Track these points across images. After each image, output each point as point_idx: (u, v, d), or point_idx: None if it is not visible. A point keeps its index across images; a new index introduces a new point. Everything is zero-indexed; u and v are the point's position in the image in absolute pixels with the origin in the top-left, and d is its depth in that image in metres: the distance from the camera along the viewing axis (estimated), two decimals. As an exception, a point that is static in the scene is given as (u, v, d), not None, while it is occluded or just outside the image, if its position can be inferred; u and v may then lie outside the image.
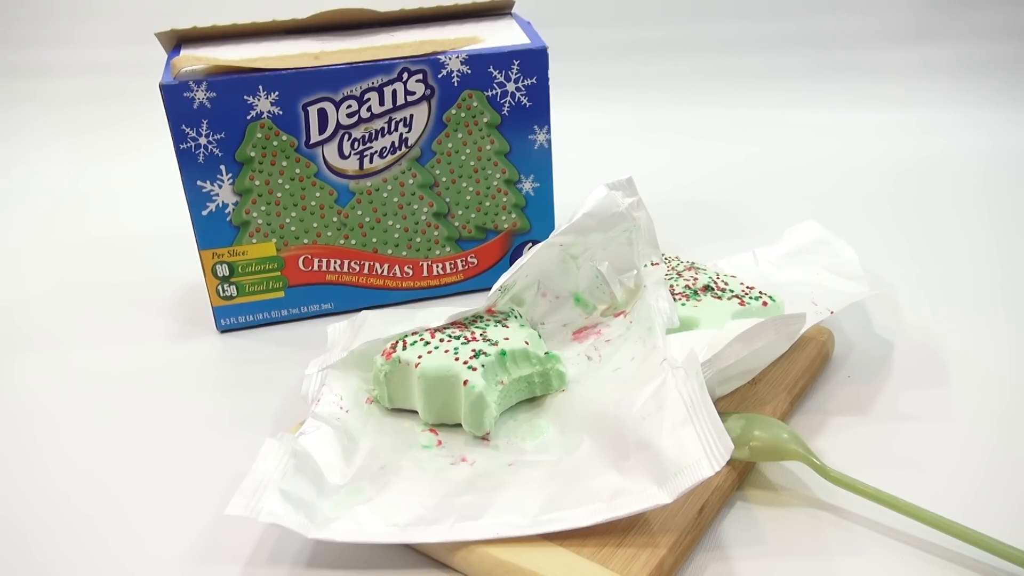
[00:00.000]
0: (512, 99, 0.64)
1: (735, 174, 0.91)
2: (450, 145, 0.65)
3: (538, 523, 0.45)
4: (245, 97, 0.60)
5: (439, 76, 0.62)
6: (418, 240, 0.67)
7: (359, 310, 0.69)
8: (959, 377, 0.58)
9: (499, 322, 0.56)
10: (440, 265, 0.69)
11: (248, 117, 0.61)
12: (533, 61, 0.63)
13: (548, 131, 0.66)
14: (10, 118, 1.11)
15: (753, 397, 0.54)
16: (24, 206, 0.92)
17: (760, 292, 0.59)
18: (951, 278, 0.70)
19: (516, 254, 0.70)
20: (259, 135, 0.61)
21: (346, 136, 0.63)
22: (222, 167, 0.62)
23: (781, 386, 0.55)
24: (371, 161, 0.64)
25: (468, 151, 0.65)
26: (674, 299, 0.57)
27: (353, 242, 0.66)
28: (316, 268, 0.67)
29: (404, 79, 0.62)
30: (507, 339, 0.53)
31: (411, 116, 0.63)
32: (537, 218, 0.69)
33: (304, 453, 0.48)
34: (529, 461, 0.49)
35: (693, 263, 0.63)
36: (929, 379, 0.58)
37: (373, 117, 0.62)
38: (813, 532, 0.47)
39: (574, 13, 1.10)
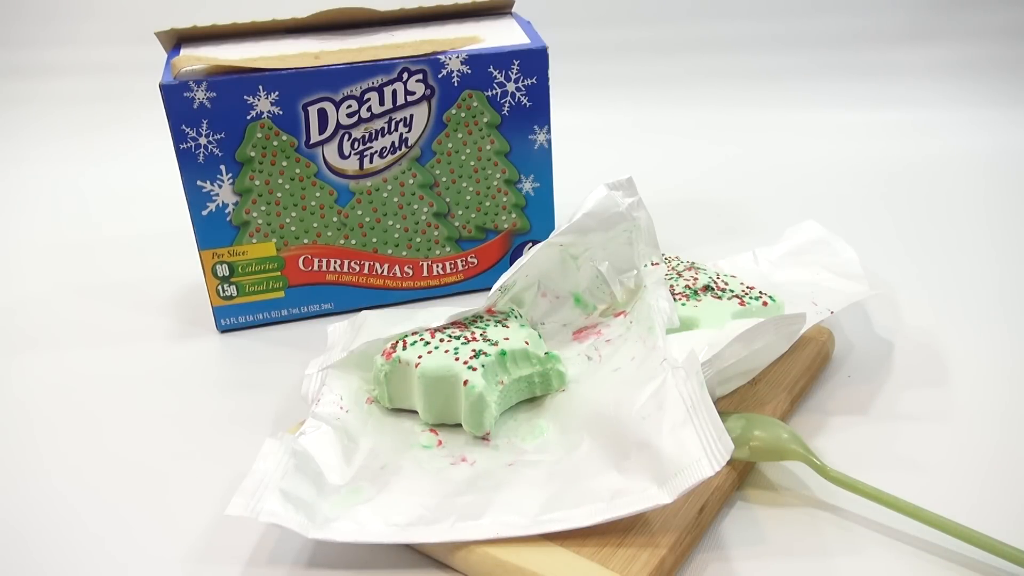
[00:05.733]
0: (512, 99, 0.64)
1: (735, 174, 0.91)
2: (450, 145, 0.65)
3: (538, 523, 0.45)
4: (245, 97, 0.60)
5: (439, 76, 0.62)
6: (418, 240, 0.67)
7: (359, 310, 0.69)
8: (959, 377, 0.58)
9: (499, 322, 0.56)
10: (440, 265, 0.69)
11: (248, 117, 0.61)
12: (533, 61, 0.63)
13: (548, 131, 0.66)
14: (11, 118, 1.11)
15: (753, 397, 0.54)
16: (24, 206, 0.92)
17: (760, 292, 0.59)
18: (951, 278, 0.70)
19: (516, 254, 0.70)
20: (259, 135, 0.61)
21: (346, 136, 0.63)
22: (222, 167, 0.62)
23: (781, 386, 0.55)
24: (371, 161, 0.64)
25: (468, 151, 0.65)
26: (674, 299, 0.57)
27: (353, 242, 0.66)
28: (316, 268, 0.67)
29: (404, 79, 0.62)
30: (507, 339, 0.53)
31: (411, 116, 0.63)
32: (537, 218, 0.69)
33: (304, 453, 0.48)
34: (529, 461, 0.49)
35: (693, 263, 0.63)
36: (929, 379, 0.58)
37: (373, 117, 0.62)
38: (813, 532, 0.47)
39: (574, 13, 1.10)
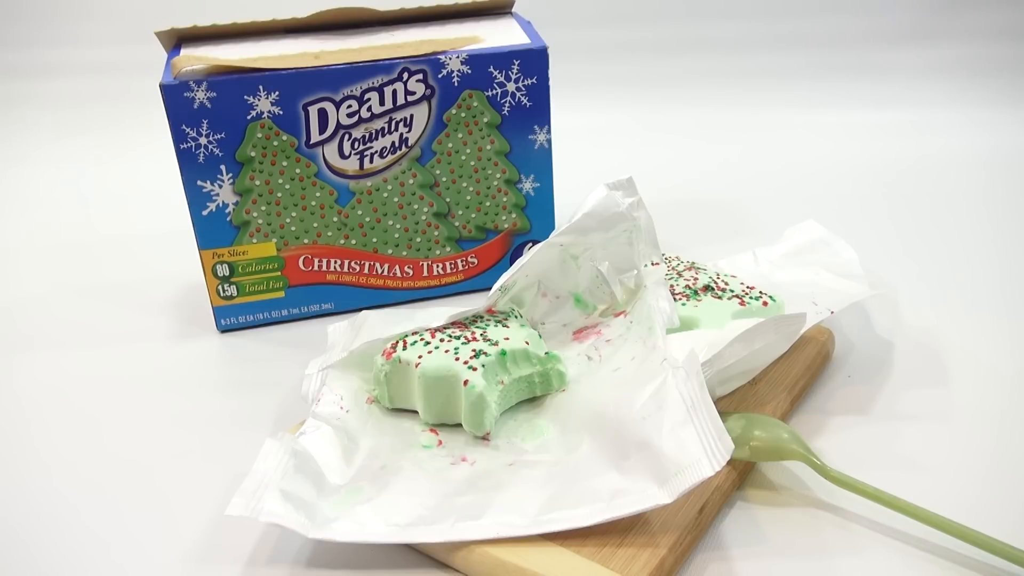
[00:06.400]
0: (512, 99, 0.64)
1: (735, 174, 0.91)
2: (450, 145, 0.65)
3: (538, 523, 0.45)
4: (245, 97, 0.60)
5: (439, 76, 0.62)
6: (418, 240, 0.67)
7: (359, 310, 0.69)
8: (959, 377, 0.58)
9: (499, 322, 0.56)
10: (440, 265, 0.69)
11: (248, 117, 0.61)
12: (533, 61, 0.63)
13: (548, 131, 0.66)
14: (10, 118, 1.11)
15: (753, 397, 0.54)
16: (24, 206, 0.92)
17: (760, 292, 0.59)
18: (951, 278, 0.70)
19: (516, 254, 0.70)
20: (259, 135, 0.61)
21: (346, 136, 0.63)
22: (222, 167, 0.62)
23: (781, 386, 0.55)
24: (371, 161, 0.64)
25: (468, 151, 0.65)
26: (674, 299, 0.57)
27: (353, 242, 0.66)
28: (316, 268, 0.67)
29: (404, 79, 0.62)
30: (507, 339, 0.53)
31: (411, 116, 0.63)
32: (537, 218, 0.69)
33: (304, 453, 0.48)
34: (529, 461, 0.49)
35: (693, 263, 0.63)
36: (929, 379, 0.58)
37: (373, 117, 0.62)
38: (813, 532, 0.47)
39: (574, 13, 1.10)
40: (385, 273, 0.68)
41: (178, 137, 0.61)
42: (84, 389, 0.62)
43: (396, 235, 0.67)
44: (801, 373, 0.56)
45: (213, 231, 0.64)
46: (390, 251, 0.67)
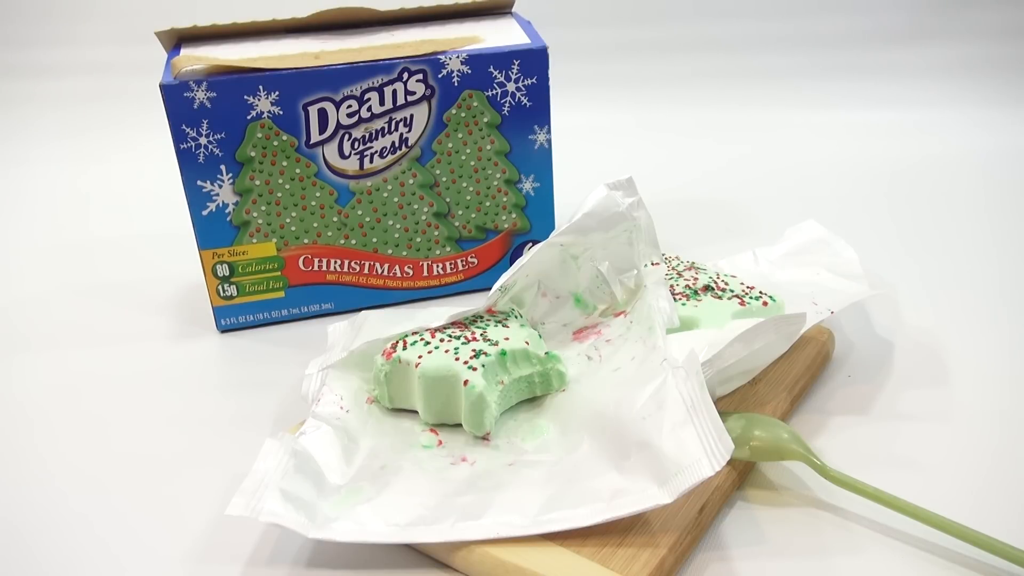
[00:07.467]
0: (512, 99, 0.64)
1: (735, 174, 0.91)
2: (450, 145, 0.65)
3: (538, 523, 0.45)
4: (245, 97, 0.60)
5: (439, 76, 0.62)
6: (418, 240, 0.67)
7: (359, 310, 0.69)
8: (959, 377, 0.58)
9: (499, 322, 0.56)
10: (440, 265, 0.69)
11: (248, 117, 0.61)
12: (533, 61, 0.63)
13: (548, 131, 0.66)
14: (10, 118, 1.11)
15: (753, 397, 0.54)
16: (24, 206, 0.92)
17: (760, 292, 0.59)
18: (951, 278, 0.70)
19: (516, 254, 0.70)
20: (259, 135, 0.61)
21: (346, 136, 0.63)
22: (222, 167, 0.62)
23: (781, 386, 0.55)
24: (371, 161, 0.64)
25: (468, 151, 0.65)
26: (674, 299, 0.57)
27: (353, 242, 0.66)
28: (316, 268, 0.67)
29: (404, 79, 0.62)
30: (507, 339, 0.53)
31: (411, 116, 0.63)
32: (537, 218, 0.69)
33: (304, 453, 0.48)
34: (529, 461, 0.49)
35: (693, 263, 0.63)
36: (929, 379, 0.58)
37: (373, 117, 0.62)
38: (813, 532, 0.47)
39: (574, 13, 1.10)
40: (385, 273, 0.68)
41: (178, 137, 0.61)
42: (84, 389, 0.62)
43: (396, 235, 0.67)
44: (801, 373, 0.56)
45: (213, 231, 0.64)
46: (390, 251, 0.67)
